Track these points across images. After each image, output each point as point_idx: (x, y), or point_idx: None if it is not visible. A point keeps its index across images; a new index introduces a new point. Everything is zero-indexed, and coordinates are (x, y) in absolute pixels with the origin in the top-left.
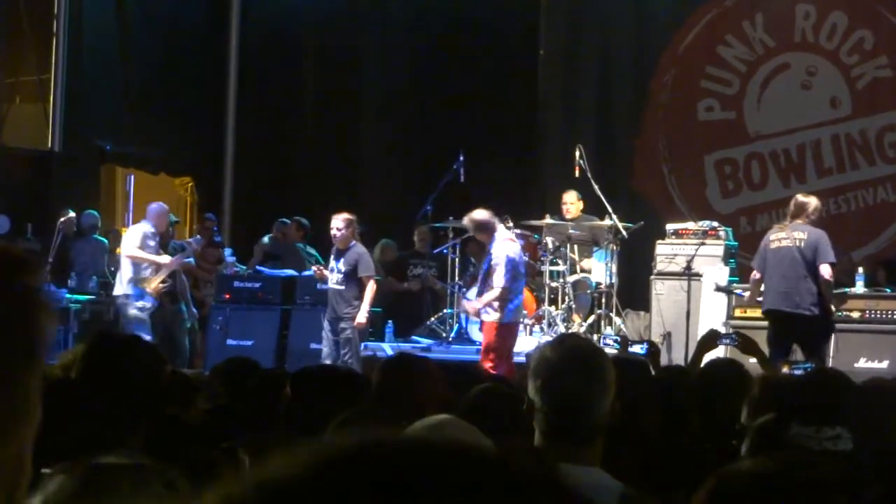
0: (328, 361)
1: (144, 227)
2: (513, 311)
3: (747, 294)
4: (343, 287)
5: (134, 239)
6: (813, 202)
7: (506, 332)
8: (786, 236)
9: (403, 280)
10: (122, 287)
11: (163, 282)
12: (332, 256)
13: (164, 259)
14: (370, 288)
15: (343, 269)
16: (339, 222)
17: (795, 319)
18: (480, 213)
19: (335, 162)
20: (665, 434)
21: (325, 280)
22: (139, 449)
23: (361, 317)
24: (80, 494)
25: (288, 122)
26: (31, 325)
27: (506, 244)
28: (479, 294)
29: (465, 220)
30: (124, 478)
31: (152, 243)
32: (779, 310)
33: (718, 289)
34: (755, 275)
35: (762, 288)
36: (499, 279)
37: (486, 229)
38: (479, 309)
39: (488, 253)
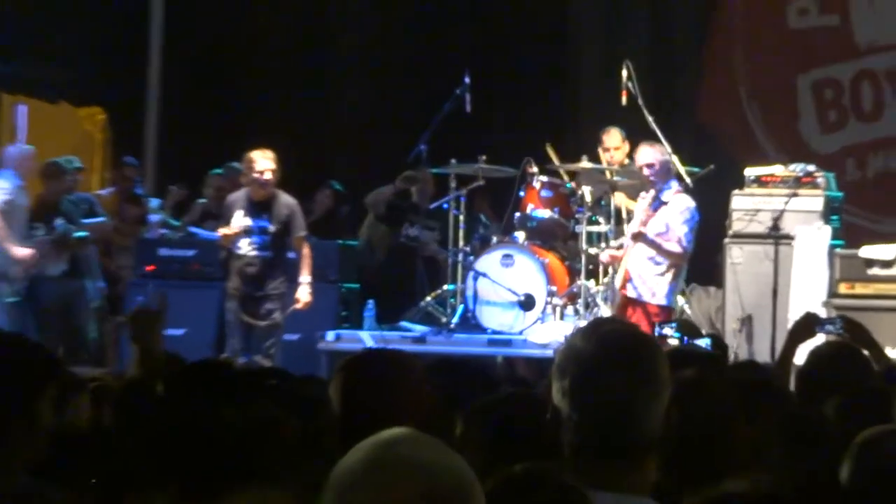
0: (240, 357)
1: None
2: (674, 290)
3: None
4: (270, 253)
5: None
6: None
7: (665, 319)
8: None
9: (398, 238)
10: None
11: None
12: (241, 210)
13: (21, 251)
14: (308, 252)
15: (273, 227)
16: (270, 162)
17: None
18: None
19: (299, 91)
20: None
21: (232, 245)
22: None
23: (306, 293)
24: None
25: (232, 41)
26: None
27: (684, 196)
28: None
29: (643, 151)
30: None
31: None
32: None
33: None
34: None
35: None
36: (681, 230)
37: (665, 169)
38: (643, 235)
39: (656, 199)
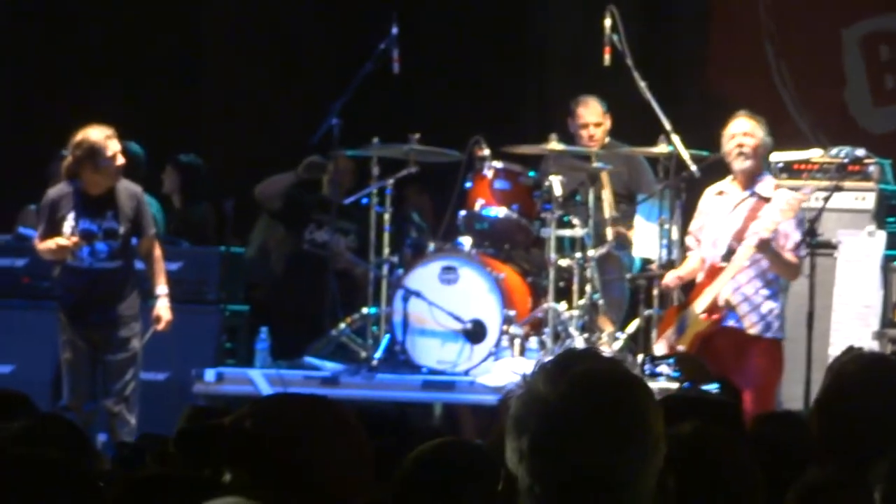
0: (85, 405)
1: None
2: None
3: None
4: (120, 263)
5: None
6: None
7: (781, 353)
8: None
9: (300, 243)
10: None
11: None
12: (70, 209)
13: None
14: (160, 256)
15: (121, 226)
16: (115, 141)
17: None
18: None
19: (151, 44)
20: None
21: (69, 256)
22: None
23: (166, 308)
24: None
25: None
26: None
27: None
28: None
29: (740, 121)
30: None
31: None
32: None
33: None
34: None
35: None
36: (795, 235)
37: (766, 150)
38: (769, 244)
39: (748, 188)
